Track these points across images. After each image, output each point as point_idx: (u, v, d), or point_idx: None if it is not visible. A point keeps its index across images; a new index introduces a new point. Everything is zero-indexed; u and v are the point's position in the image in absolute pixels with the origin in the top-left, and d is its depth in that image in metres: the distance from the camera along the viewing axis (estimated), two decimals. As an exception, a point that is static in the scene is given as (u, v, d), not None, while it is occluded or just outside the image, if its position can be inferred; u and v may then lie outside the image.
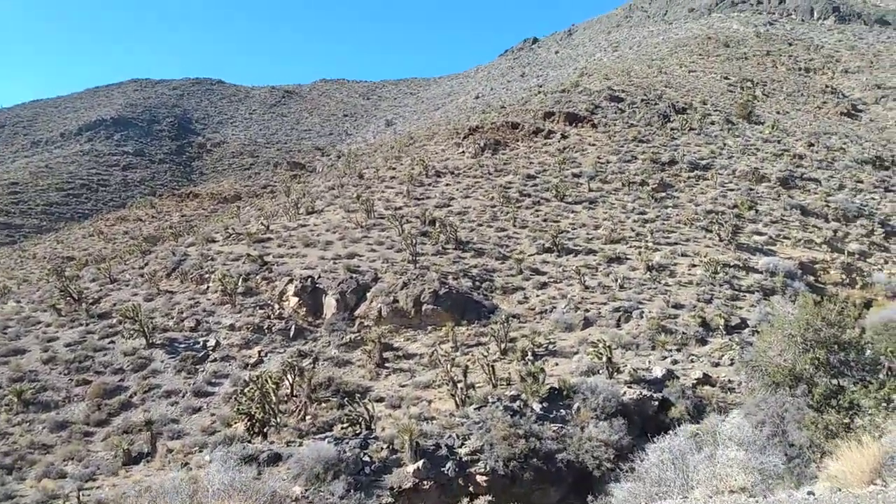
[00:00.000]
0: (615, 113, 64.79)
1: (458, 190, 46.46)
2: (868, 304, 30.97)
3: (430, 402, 22.88)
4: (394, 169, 53.44)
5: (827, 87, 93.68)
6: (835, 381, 18.33)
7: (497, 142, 56.29)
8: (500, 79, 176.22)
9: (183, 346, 28.08)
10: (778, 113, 74.15)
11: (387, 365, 26.35)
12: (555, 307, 29.85)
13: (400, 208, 42.76)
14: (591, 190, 45.95)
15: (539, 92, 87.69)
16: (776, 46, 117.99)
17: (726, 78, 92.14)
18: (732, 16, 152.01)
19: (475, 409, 20.61)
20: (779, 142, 58.56)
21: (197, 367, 26.62)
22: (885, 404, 16.64)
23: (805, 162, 53.50)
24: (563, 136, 57.64)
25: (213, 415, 23.22)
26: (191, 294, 32.91)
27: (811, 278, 34.40)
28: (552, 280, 32.85)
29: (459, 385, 21.91)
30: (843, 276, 34.95)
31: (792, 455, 17.19)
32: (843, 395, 17.44)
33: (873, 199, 46.64)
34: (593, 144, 55.76)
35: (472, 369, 23.87)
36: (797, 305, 20.95)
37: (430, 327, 29.00)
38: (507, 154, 54.41)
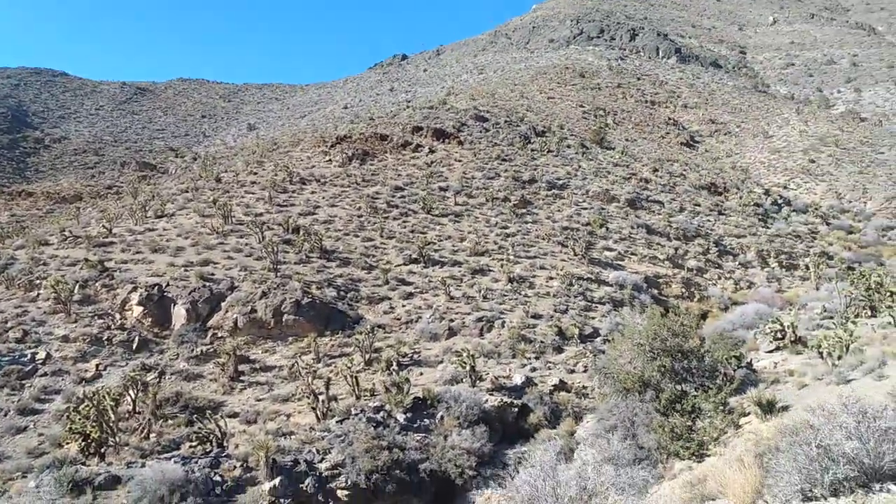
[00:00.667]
0: (480, 132, 66.68)
1: (324, 198, 45.38)
2: (705, 316, 33.81)
3: (289, 416, 21.82)
4: (255, 174, 51.24)
5: (670, 119, 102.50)
6: (679, 387, 19.65)
7: (365, 152, 55.82)
8: (370, 91, 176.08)
9: (7, 359, 24.76)
10: (627, 140, 79.96)
11: (242, 378, 24.86)
12: (420, 317, 29.80)
13: (261, 215, 40.98)
14: (457, 204, 46.73)
15: (408, 106, 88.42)
16: (626, 80, 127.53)
17: (581, 106, 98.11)
18: (588, 49, 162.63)
19: (337, 421, 19.91)
20: (628, 166, 63.05)
21: (23, 381, 23.55)
22: (722, 407, 18.05)
23: (650, 185, 57.96)
24: (431, 151, 58.35)
25: (41, 435, 20.55)
26: (18, 302, 29.24)
27: (655, 291, 37.03)
28: (418, 290, 32.81)
29: (321, 397, 21.09)
30: (683, 290, 37.98)
31: (641, 457, 18.14)
32: (687, 400, 18.71)
33: (709, 220, 51.37)
34: (459, 160, 56.92)
35: (334, 381, 23.11)
36: (645, 317, 22.33)
37: (291, 338, 27.83)
38: (375, 165, 54.08)
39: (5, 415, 21.70)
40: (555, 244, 41.28)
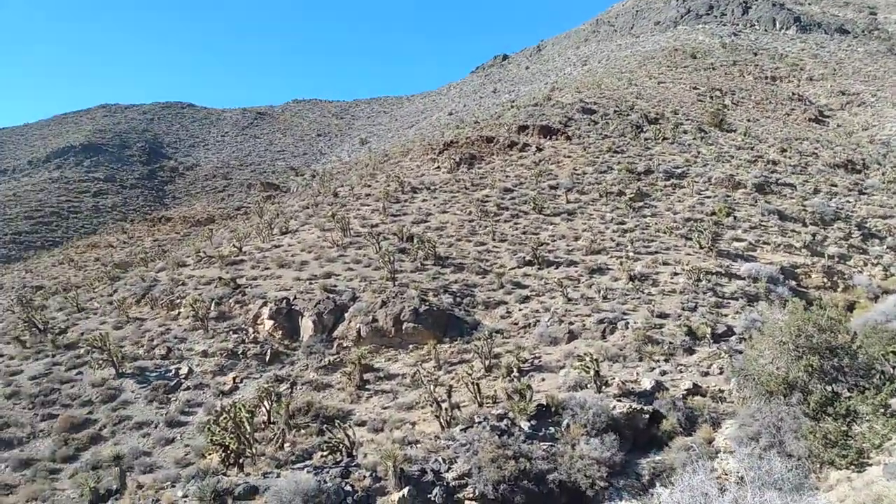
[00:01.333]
0: (588, 125, 64.94)
1: (434, 205, 45.87)
2: (851, 307, 30.86)
3: (413, 424, 22.04)
4: (369, 186, 52.73)
5: (794, 94, 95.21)
6: (829, 388, 17.93)
7: (472, 156, 55.93)
8: (473, 95, 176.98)
9: (154, 374, 26.91)
10: (749, 121, 75.00)
11: (368, 387, 25.46)
12: (538, 321, 29.24)
13: (376, 225, 42.02)
14: (568, 201, 45.67)
15: (512, 106, 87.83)
16: (742, 56, 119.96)
17: (695, 88, 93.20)
18: (698, 28, 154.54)
19: (461, 430, 19.81)
20: (752, 148, 59.04)
21: (169, 395, 25.48)
22: (882, 410, 16.24)
23: (779, 167, 53.91)
24: (539, 149, 57.50)
25: (186, 446, 22.12)
26: (161, 321, 31.71)
27: (793, 283, 34.26)
28: (534, 293, 32.27)
29: (444, 405, 21.10)
30: (825, 280, 34.89)
31: (790, 466, 16.67)
32: (840, 402, 17.01)
33: (848, 202, 47.00)
34: (569, 156, 55.66)
35: (456, 388, 23.11)
36: (787, 311, 20.57)
37: (411, 346, 28.22)
38: (482, 168, 54.03)
39: (156, 427, 23.50)
40: (678, 237, 39.25)
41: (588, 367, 22.76)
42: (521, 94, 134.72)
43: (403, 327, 28.61)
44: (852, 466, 15.38)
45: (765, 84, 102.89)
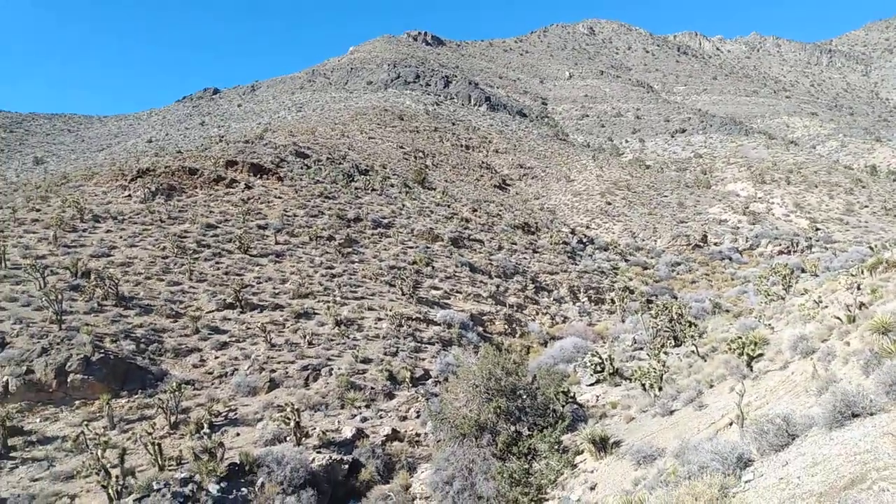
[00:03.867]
0: (301, 168, 64.55)
1: (121, 237, 40.42)
2: (527, 351, 34.53)
3: (73, 497, 18.18)
4: (38, 210, 44.58)
5: (483, 162, 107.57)
6: (514, 428, 19.27)
7: (172, 187, 51.16)
8: (178, 125, 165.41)
9: None
10: (447, 181, 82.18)
11: (13, 455, 20.49)
12: (237, 369, 26.94)
13: (44, 257, 35.36)
14: (277, 242, 44.11)
15: (221, 140, 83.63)
16: (442, 124, 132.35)
17: (402, 147, 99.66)
18: (405, 93, 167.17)
19: (135, 500, 16.83)
20: (449, 206, 64.39)
21: None
22: (557, 446, 17.84)
23: (471, 225, 59.53)
24: (248, 187, 55.06)
25: None
26: None
27: (481, 329, 37.31)
28: (234, 339, 29.84)
29: (114, 472, 17.78)
30: (506, 326, 38.71)
31: (480, 507, 17.28)
32: (523, 442, 18.30)
33: (524, 258, 53.60)
34: (280, 197, 54.29)
35: (132, 450, 19.81)
36: (479, 356, 21.88)
37: (78, 402, 23.65)
38: (183, 201, 49.66)
39: None
40: (382, 284, 40.26)
41: (288, 419, 21.38)
42: (231, 130, 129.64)
43: (69, 380, 23.91)
44: (533, 503, 16.47)
45: (460, 151, 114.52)
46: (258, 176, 58.17)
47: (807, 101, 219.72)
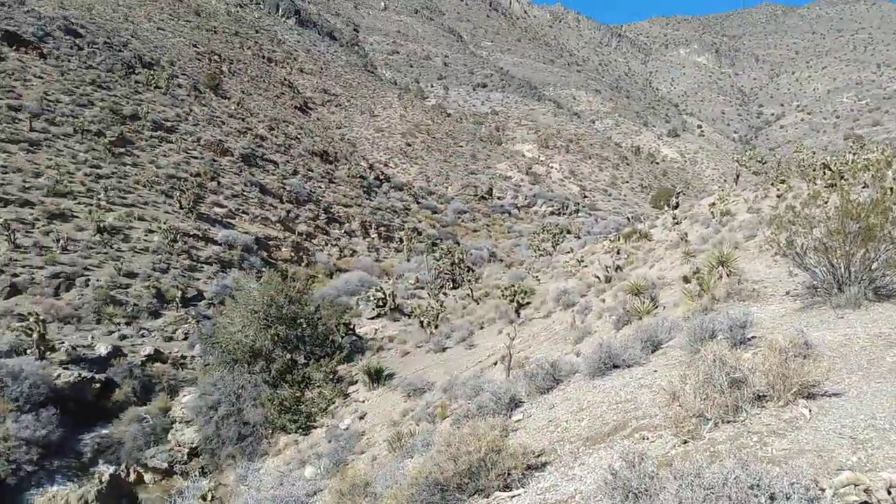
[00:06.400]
0: (71, 48, 55.71)
1: None
2: (312, 281, 34.18)
3: None
4: None
5: (286, 80, 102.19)
6: (290, 357, 19.04)
7: None
8: None
9: None
10: (243, 92, 76.82)
11: None
12: (-34, 269, 23.07)
13: None
14: (33, 129, 37.88)
15: (-35, -5, 68.85)
16: (245, 30, 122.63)
17: (195, 46, 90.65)
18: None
19: None
20: (243, 120, 60.38)
21: None
22: (332, 376, 18.02)
23: (266, 144, 56.54)
24: (1, 58, 46.31)
25: None
26: None
27: (265, 254, 36.05)
28: (-36, 234, 25.41)
29: None
30: (293, 254, 37.84)
31: (245, 433, 16.98)
32: (298, 370, 18.20)
33: (320, 187, 52.47)
34: (41, 77, 46.48)
35: None
36: (262, 281, 21.08)
37: None
38: None
39: None
40: (158, 193, 36.81)
41: (31, 329, 18.90)
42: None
43: None
44: (300, 430, 16.54)
45: (262, 63, 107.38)
46: (14, 48, 49.09)
47: (594, 79, 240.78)
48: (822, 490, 4.02)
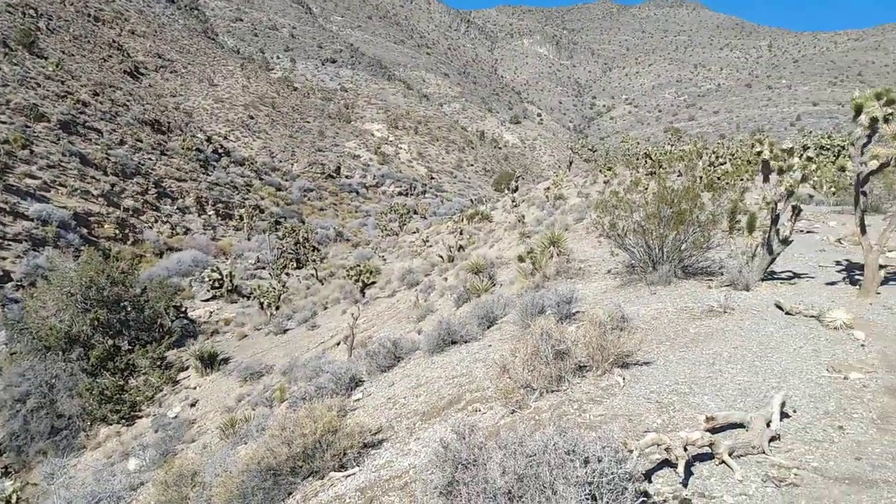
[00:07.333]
0: None
1: None
2: (139, 261, 31.69)
3: None
4: None
5: (115, 42, 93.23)
6: (112, 342, 17.53)
7: None
8: None
9: None
10: (63, 52, 69.04)
11: None
12: None
13: None
14: None
15: None
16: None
17: (7, -4, 79.94)
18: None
19: None
20: (63, 83, 54.23)
21: None
22: (160, 363, 16.84)
23: (89, 110, 51.26)
24: None
25: None
26: None
27: (86, 230, 32.84)
28: None
29: None
30: (118, 231, 34.79)
31: (59, 427, 15.48)
32: (121, 357, 16.81)
33: (150, 159, 48.56)
34: None
35: None
36: (81, 261, 19.14)
37: None
38: None
39: None
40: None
41: None
42: None
43: None
44: (123, 421, 15.33)
45: (87, 21, 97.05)
46: None
47: (443, 62, 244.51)
48: (630, 451, 4.33)
